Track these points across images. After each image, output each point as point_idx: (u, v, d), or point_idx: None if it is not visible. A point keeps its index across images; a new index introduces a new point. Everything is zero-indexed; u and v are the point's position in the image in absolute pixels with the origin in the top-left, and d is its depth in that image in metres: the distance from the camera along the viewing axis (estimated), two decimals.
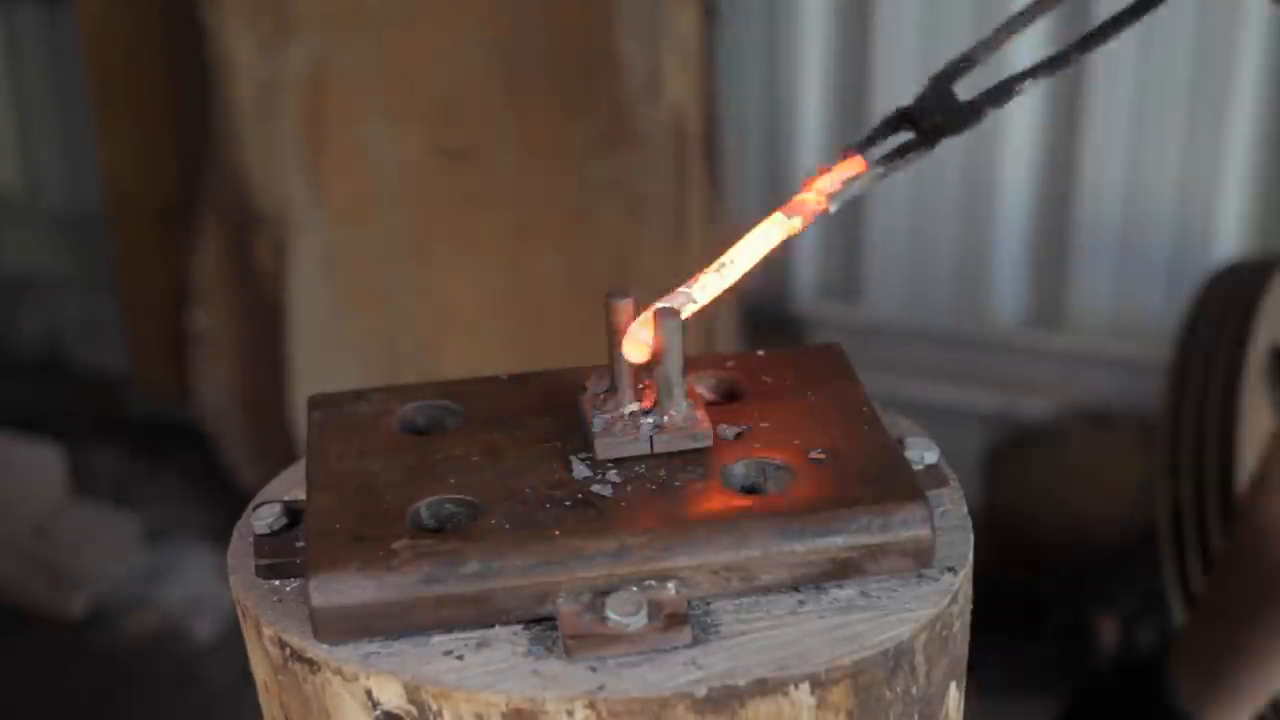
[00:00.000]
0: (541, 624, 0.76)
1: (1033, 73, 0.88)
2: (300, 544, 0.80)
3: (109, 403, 2.89)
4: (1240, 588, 1.51)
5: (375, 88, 2.31)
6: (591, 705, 0.71)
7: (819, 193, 0.84)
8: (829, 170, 0.85)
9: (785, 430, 0.84)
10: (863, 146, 0.86)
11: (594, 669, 0.73)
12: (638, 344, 0.82)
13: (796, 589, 0.78)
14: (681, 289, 0.83)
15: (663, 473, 0.81)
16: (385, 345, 2.40)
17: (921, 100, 0.88)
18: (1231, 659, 1.50)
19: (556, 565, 0.75)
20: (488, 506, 0.79)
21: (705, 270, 0.84)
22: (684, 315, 0.83)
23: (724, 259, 0.84)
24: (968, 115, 0.87)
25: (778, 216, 0.84)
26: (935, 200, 2.43)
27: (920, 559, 0.78)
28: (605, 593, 0.75)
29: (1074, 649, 2.25)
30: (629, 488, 0.80)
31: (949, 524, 0.83)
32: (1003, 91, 0.88)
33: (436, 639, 0.75)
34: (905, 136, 0.88)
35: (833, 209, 0.84)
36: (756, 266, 0.85)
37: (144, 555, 2.47)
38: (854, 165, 0.86)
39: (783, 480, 0.80)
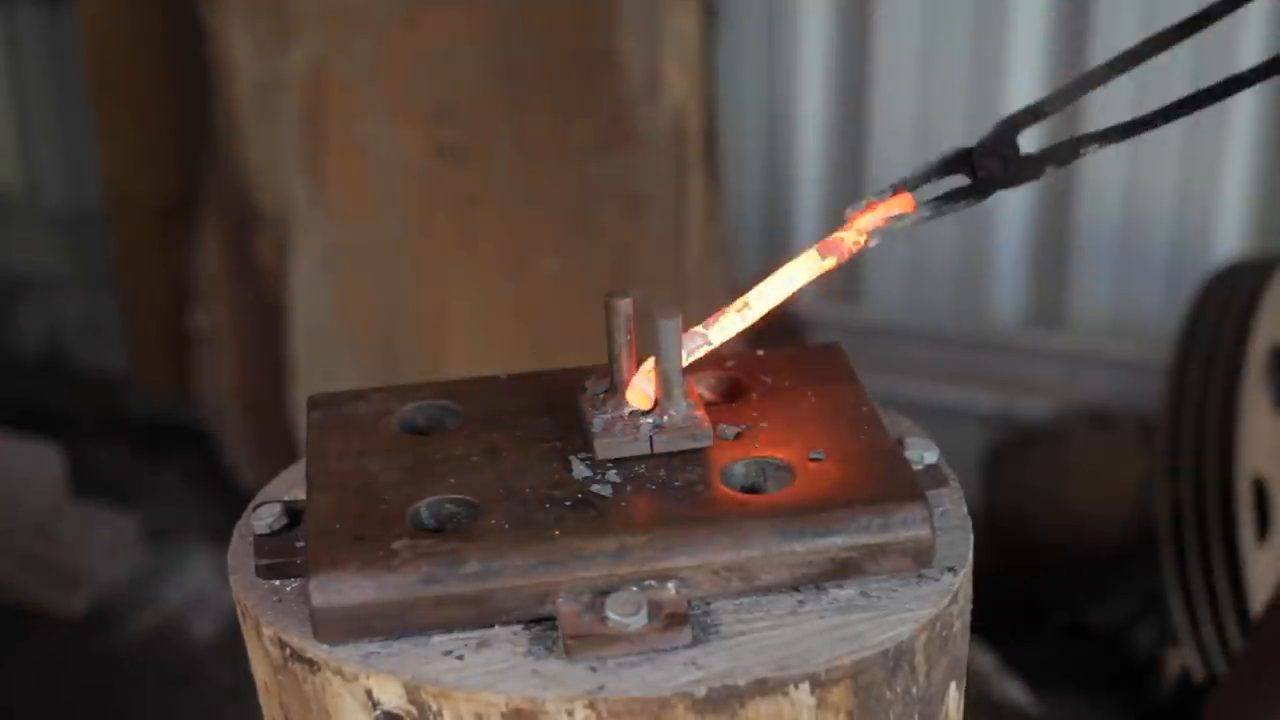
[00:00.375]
0: (541, 624, 0.76)
1: (1104, 136, 0.84)
2: (300, 544, 0.80)
3: (109, 403, 2.89)
4: None
5: (375, 88, 2.31)
6: (591, 705, 0.71)
7: (859, 231, 0.82)
8: (874, 206, 0.83)
9: (785, 430, 0.84)
10: (915, 183, 0.84)
11: (594, 669, 0.73)
12: (640, 394, 0.83)
13: (796, 589, 0.78)
14: (698, 329, 0.84)
15: (663, 473, 0.81)
16: (385, 345, 2.40)
17: (983, 144, 0.85)
18: (1269, 715, 1.48)
19: (556, 565, 0.75)
20: (488, 506, 0.79)
21: (725, 310, 0.83)
22: (697, 356, 0.83)
23: (746, 299, 0.83)
24: (1026, 169, 0.84)
25: (811, 254, 0.83)
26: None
27: (920, 559, 0.78)
28: (605, 593, 0.75)
29: (1074, 649, 2.26)
30: (629, 488, 0.80)
31: (949, 524, 0.83)
32: (1068, 150, 0.84)
33: (436, 639, 0.75)
34: (959, 180, 0.85)
35: (872, 243, 0.82)
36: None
37: (144, 555, 2.47)
38: (901, 203, 0.83)
39: (783, 480, 0.80)
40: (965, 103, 2.36)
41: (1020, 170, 0.84)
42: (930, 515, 0.78)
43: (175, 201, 2.60)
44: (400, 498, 0.80)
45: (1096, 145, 0.84)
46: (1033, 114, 0.86)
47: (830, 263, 0.83)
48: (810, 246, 0.83)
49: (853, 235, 0.82)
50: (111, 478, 2.68)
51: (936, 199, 0.85)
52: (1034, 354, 2.47)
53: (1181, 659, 1.93)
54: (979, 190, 0.85)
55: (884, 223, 0.82)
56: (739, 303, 0.83)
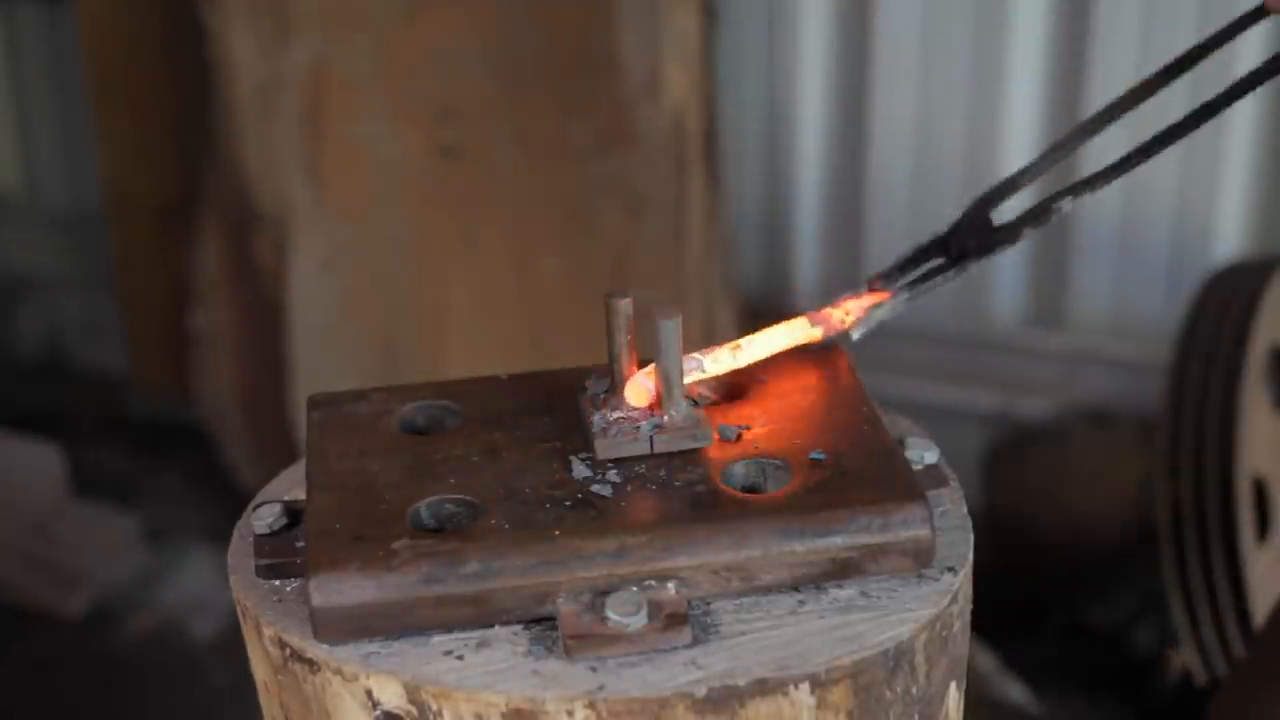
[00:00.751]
0: (541, 624, 0.76)
1: (1075, 189, 0.87)
2: (300, 544, 0.80)
3: (109, 403, 2.89)
4: None
5: (375, 88, 2.31)
6: (591, 705, 0.71)
7: (846, 312, 0.88)
8: (861, 296, 0.89)
9: (785, 430, 0.84)
10: (892, 275, 0.89)
11: (594, 669, 0.73)
12: (640, 391, 0.83)
13: (796, 589, 0.78)
14: (695, 355, 0.86)
15: (663, 472, 0.81)
16: (385, 345, 2.40)
17: (957, 226, 0.89)
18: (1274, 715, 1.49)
19: (556, 565, 0.75)
20: (488, 506, 0.79)
21: (722, 345, 0.87)
22: (691, 380, 0.84)
23: (741, 341, 0.87)
24: (1002, 238, 0.87)
25: (802, 321, 0.88)
26: (935, 200, 2.43)
27: (920, 559, 0.78)
28: (605, 593, 0.75)
29: (1074, 649, 2.26)
30: (629, 488, 0.80)
31: (949, 524, 0.83)
32: (1043, 211, 0.86)
33: (436, 639, 0.75)
34: (936, 260, 0.89)
35: (855, 336, 0.87)
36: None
37: (144, 555, 2.47)
38: (881, 295, 0.89)
39: (783, 480, 0.81)
40: (965, 103, 2.36)
41: (996, 239, 0.87)
42: (930, 515, 0.78)
43: (175, 201, 2.60)
44: (400, 498, 0.80)
45: (1071, 199, 0.86)
46: (1006, 189, 0.89)
47: (817, 333, 0.88)
48: (804, 313, 0.89)
49: (840, 314, 0.88)
50: (111, 478, 2.68)
51: (913, 282, 0.89)
52: (1034, 354, 2.47)
53: (1183, 659, 1.93)
54: (956, 264, 0.89)
55: (863, 312, 0.88)
56: (733, 344, 0.87)
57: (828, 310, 0.88)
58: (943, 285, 0.88)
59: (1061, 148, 0.91)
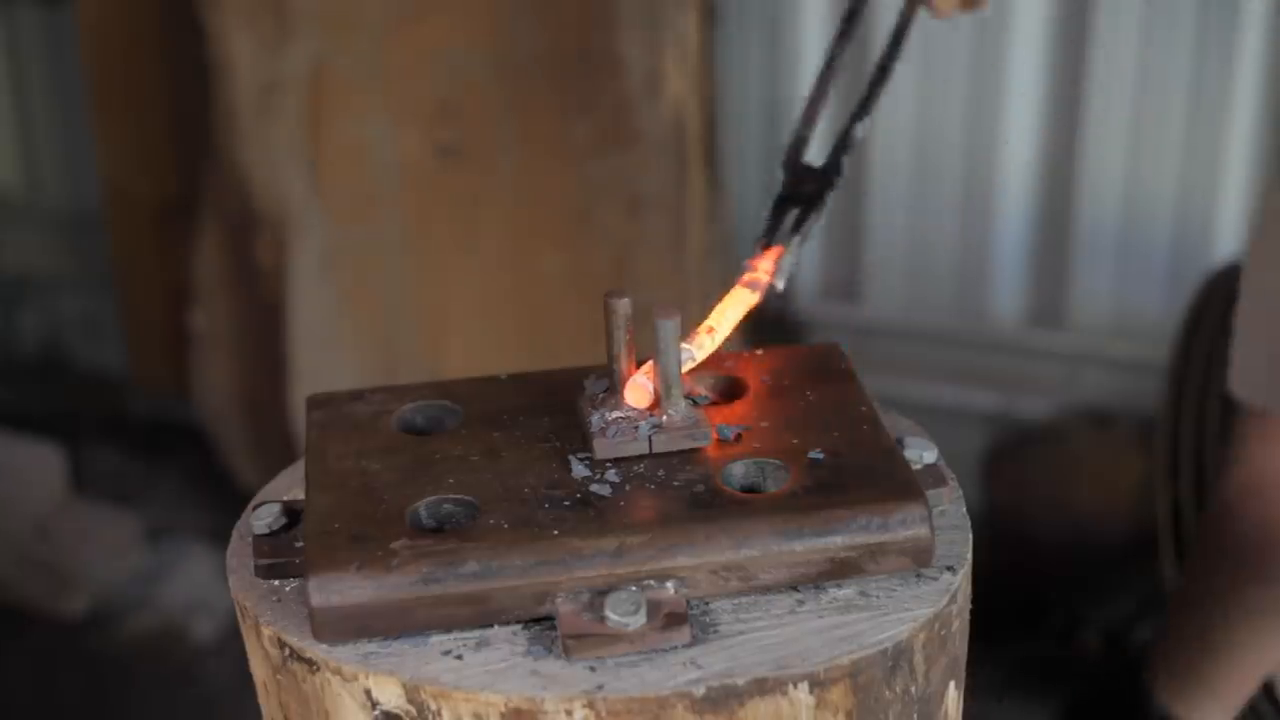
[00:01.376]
0: (540, 624, 0.76)
1: (857, 115, 1.02)
2: (299, 544, 0.80)
3: (109, 402, 2.89)
4: (1206, 575, 1.53)
5: (375, 88, 2.31)
6: (590, 705, 0.71)
7: (766, 271, 0.95)
8: (765, 255, 0.96)
9: (785, 430, 0.84)
10: (769, 236, 0.97)
11: (593, 669, 0.73)
12: (640, 391, 0.83)
13: (795, 589, 0.78)
14: (683, 344, 0.87)
15: (662, 472, 0.81)
16: (385, 345, 2.40)
17: (786, 184, 0.99)
18: (1204, 652, 1.51)
19: (555, 565, 0.75)
20: (487, 506, 0.79)
21: (697, 332, 0.90)
22: (684, 370, 0.85)
23: (710, 322, 0.91)
24: (829, 171, 0.98)
25: (743, 290, 0.94)
26: (935, 200, 2.43)
27: (919, 559, 0.78)
28: (604, 593, 0.75)
29: (1073, 649, 2.26)
30: (628, 487, 0.80)
31: (947, 524, 0.83)
32: (844, 140, 1.00)
33: (435, 639, 0.75)
34: (795, 210, 0.98)
35: (780, 286, 0.95)
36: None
37: (144, 555, 2.47)
38: (777, 249, 0.96)
39: (782, 480, 0.80)
40: (965, 103, 2.36)
41: (826, 174, 0.98)
42: (929, 515, 0.78)
43: (175, 201, 2.60)
44: (399, 498, 0.80)
45: (857, 123, 1.01)
46: (801, 142, 1.03)
47: (756, 297, 0.94)
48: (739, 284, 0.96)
49: (762, 276, 0.94)
50: (111, 478, 2.68)
51: (792, 231, 0.97)
52: (1034, 354, 2.47)
53: (1095, 637, 1.95)
54: (813, 205, 0.98)
55: (774, 265, 0.95)
56: (705, 325, 0.90)
57: (750, 275, 0.94)
58: (817, 222, 0.97)
59: (814, 104, 1.09)
